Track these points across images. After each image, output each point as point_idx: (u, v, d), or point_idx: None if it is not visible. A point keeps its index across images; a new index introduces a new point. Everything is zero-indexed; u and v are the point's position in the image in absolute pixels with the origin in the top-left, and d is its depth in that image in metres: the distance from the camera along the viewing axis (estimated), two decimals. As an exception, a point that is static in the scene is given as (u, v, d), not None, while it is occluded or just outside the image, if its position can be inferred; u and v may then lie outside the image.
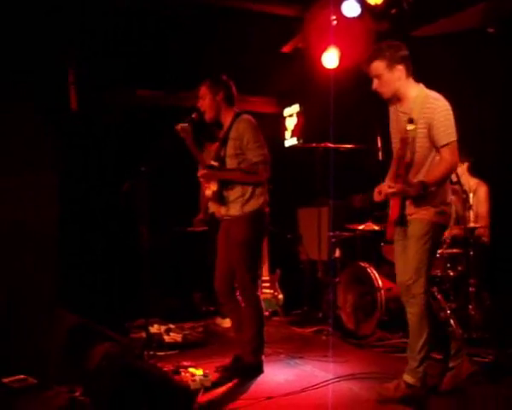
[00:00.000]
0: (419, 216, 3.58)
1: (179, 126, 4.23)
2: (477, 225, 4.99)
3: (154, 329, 5.33)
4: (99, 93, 6.50)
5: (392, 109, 3.80)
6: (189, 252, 7.00)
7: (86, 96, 6.15)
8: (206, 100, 4.33)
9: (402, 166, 3.52)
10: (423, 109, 3.50)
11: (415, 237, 3.59)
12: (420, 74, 5.74)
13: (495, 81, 5.36)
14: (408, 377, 3.57)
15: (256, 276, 4.34)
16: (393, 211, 3.64)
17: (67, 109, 5.92)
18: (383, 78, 3.61)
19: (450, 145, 3.46)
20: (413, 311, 3.57)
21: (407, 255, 3.63)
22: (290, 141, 7.95)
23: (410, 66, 3.64)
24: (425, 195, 3.49)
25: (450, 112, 3.51)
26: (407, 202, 3.61)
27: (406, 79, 3.62)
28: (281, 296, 6.54)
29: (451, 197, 3.71)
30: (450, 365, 3.74)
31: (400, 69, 3.59)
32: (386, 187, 3.57)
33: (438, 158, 3.53)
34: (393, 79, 3.60)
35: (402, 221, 3.62)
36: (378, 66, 3.60)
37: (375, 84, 3.67)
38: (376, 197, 3.75)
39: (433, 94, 3.56)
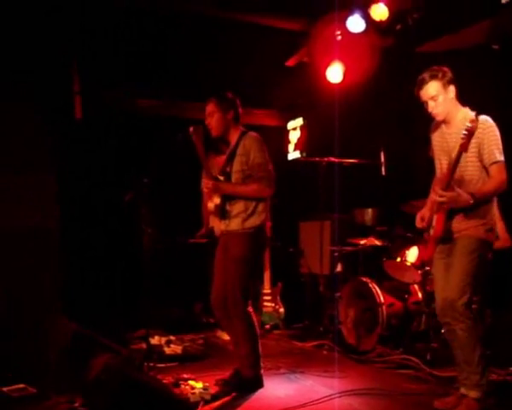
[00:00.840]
0: (468, 233, 3.62)
1: (192, 128, 4.24)
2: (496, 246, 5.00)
3: (155, 340, 5.30)
4: (101, 101, 6.52)
5: (437, 133, 3.88)
6: (190, 263, 6.99)
7: (89, 103, 6.17)
8: (214, 117, 4.34)
9: (451, 179, 3.59)
10: (473, 129, 3.53)
11: (463, 254, 3.62)
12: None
13: (499, 98, 5.37)
14: (474, 393, 3.57)
15: (248, 293, 4.28)
16: (438, 227, 3.70)
17: (72, 117, 5.95)
18: (439, 98, 3.67)
19: (498, 164, 3.56)
20: (462, 326, 3.56)
21: (451, 273, 3.65)
22: (293, 154, 7.95)
23: (456, 88, 3.72)
24: (472, 209, 3.58)
25: (498, 133, 3.62)
26: (455, 220, 3.66)
27: (455, 99, 3.73)
28: (282, 310, 6.52)
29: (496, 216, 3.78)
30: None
31: (453, 90, 3.69)
32: (436, 196, 3.61)
33: (486, 177, 3.64)
34: (448, 99, 3.68)
35: (446, 237, 3.68)
36: (435, 87, 3.66)
37: (431, 106, 3.71)
38: (419, 224, 3.86)
39: (481, 116, 3.63)
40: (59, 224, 5.33)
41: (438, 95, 3.67)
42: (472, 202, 3.51)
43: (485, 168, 3.61)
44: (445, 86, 3.66)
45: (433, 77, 3.67)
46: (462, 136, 3.51)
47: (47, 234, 5.20)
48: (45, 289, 5.10)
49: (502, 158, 3.57)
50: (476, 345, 3.56)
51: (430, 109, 3.73)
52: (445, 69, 3.73)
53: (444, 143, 3.80)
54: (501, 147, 3.60)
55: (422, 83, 3.71)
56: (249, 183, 4.25)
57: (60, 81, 5.64)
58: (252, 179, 4.24)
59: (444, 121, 3.78)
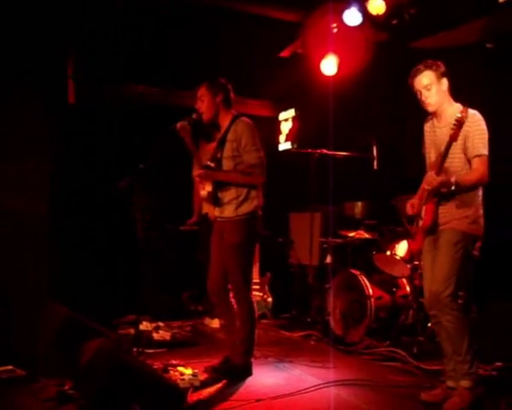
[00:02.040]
0: (452, 225, 3.68)
1: (179, 125, 4.24)
2: None
3: (143, 326, 5.31)
4: (97, 87, 6.48)
5: (428, 125, 3.95)
6: (179, 251, 7.00)
7: (84, 89, 6.13)
8: (204, 101, 4.34)
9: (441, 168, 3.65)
10: (461, 123, 3.59)
11: (446, 246, 3.68)
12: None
13: (492, 96, 5.41)
14: (465, 383, 3.62)
15: (249, 278, 4.34)
16: (427, 218, 3.76)
17: (65, 102, 5.90)
18: (433, 88, 3.73)
19: (481, 157, 3.62)
20: (448, 318, 3.62)
21: (436, 265, 3.71)
22: (284, 145, 7.98)
23: (449, 83, 3.78)
24: (456, 202, 3.66)
25: (485, 128, 3.67)
26: (440, 212, 3.73)
27: (447, 92, 3.79)
28: (270, 299, 6.56)
29: (481, 211, 3.77)
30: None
31: (445, 83, 3.76)
32: (431, 178, 3.65)
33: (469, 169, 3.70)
34: (441, 90, 3.75)
35: (434, 229, 3.74)
36: (430, 75, 3.73)
37: (425, 95, 3.76)
38: (410, 211, 3.91)
39: (470, 110, 3.68)
40: (50, 210, 5.29)
41: (431, 84, 3.73)
42: (454, 186, 3.56)
43: (469, 161, 3.67)
44: (438, 78, 3.73)
45: (428, 67, 3.75)
46: (452, 126, 3.57)
47: (38, 220, 5.17)
48: (35, 274, 5.07)
49: (485, 152, 3.62)
50: (464, 335, 3.61)
51: (423, 99, 3.78)
52: (439, 63, 3.80)
53: (434, 136, 3.87)
54: (486, 141, 3.65)
55: (417, 72, 3.78)
56: (241, 170, 4.25)
57: (53, 65, 5.59)
58: (243, 166, 4.25)
59: (435, 115, 3.84)
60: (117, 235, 6.50)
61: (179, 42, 6.48)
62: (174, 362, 4.36)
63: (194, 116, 4.33)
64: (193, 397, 3.75)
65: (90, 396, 3.22)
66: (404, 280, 5.50)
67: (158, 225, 6.25)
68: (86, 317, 3.87)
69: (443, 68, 3.78)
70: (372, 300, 5.21)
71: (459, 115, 3.55)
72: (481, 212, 3.75)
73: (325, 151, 6.13)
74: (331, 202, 6.18)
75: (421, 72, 3.76)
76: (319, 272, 6.48)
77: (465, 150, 3.66)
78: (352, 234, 5.87)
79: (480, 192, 3.76)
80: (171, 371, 4.13)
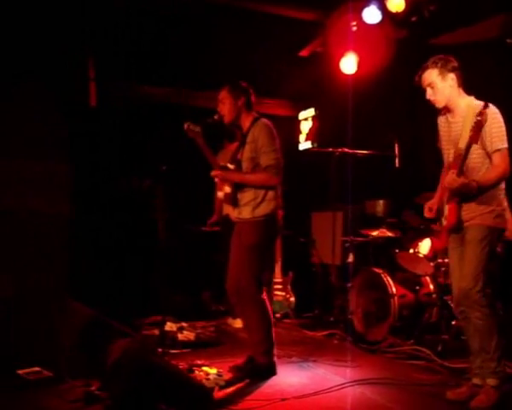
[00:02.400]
0: (477, 221, 3.65)
1: (186, 126, 4.26)
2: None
3: (167, 327, 5.34)
4: (118, 90, 6.54)
5: (442, 119, 3.91)
6: (199, 251, 7.05)
7: (103, 91, 6.19)
8: (226, 104, 4.37)
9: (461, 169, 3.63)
10: (477, 117, 3.57)
11: (473, 243, 3.65)
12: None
13: (510, 92, 5.37)
14: (491, 381, 3.61)
15: (261, 279, 4.34)
16: (451, 217, 3.72)
17: (86, 105, 5.97)
18: (436, 86, 3.73)
19: (501, 151, 3.59)
20: (477, 315, 3.61)
21: (464, 262, 3.69)
22: (304, 144, 7.98)
23: (461, 77, 3.76)
24: (479, 197, 3.62)
25: (502, 120, 3.63)
26: (464, 209, 3.70)
27: (458, 88, 3.75)
28: (292, 299, 6.56)
29: (506, 203, 3.76)
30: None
31: (452, 78, 3.72)
32: (452, 179, 3.62)
33: (489, 164, 3.66)
34: (446, 86, 3.72)
35: (459, 227, 3.71)
36: (431, 74, 3.73)
37: (429, 93, 3.78)
38: (428, 214, 3.90)
39: (488, 104, 3.63)
40: (71, 210, 5.35)
41: (434, 81, 3.71)
42: (476, 188, 3.55)
43: (489, 156, 3.64)
44: (443, 74, 3.70)
45: (433, 64, 3.73)
46: (471, 127, 3.55)
47: (59, 220, 5.22)
48: (57, 275, 5.13)
49: (505, 145, 3.60)
50: (493, 332, 3.60)
51: (428, 96, 3.79)
52: (449, 58, 3.76)
53: (449, 131, 3.83)
54: (505, 134, 3.62)
55: (422, 70, 3.79)
56: (257, 171, 4.27)
57: (75, 67, 5.66)
58: (259, 167, 4.26)
59: (448, 110, 3.81)
60: (138, 235, 6.56)
61: (198, 43, 6.51)
62: (199, 362, 4.38)
63: (215, 117, 4.38)
64: (218, 396, 3.76)
65: (117, 397, 3.26)
66: (428, 278, 5.46)
67: (179, 226, 6.29)
68: (108, 317, 3.91)
69: (453, 63, 3.74)
70: (395, 298, 5.19)
71: (479, 118, 3.52)
72: (505, 204, 3.72)
73: (346, 150, 6.13)
74: (352, 200, 6.17)
75: (425, 70, 3.76)
76: (341, 271, 6.48)
77: (483, 145, 3.63)
78: (374, 232, 5.86)
79: (503, 185, 3.72)
80: (196, 371, 4.15)
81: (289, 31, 6.53)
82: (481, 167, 3.67)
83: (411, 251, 5.44)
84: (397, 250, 5.56)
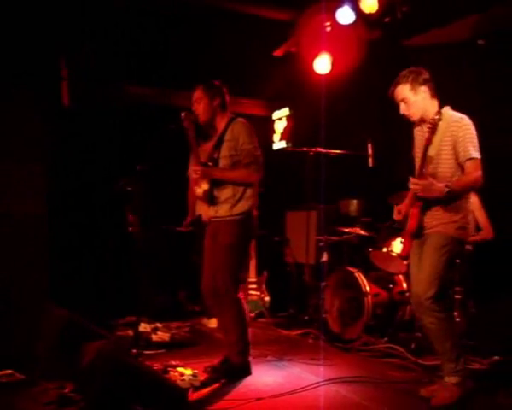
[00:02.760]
0: (439, 229, 3.68)
1: (183, 114, 4.26)
2: (479, 238, 5.11)
3: (141, 327, 5.31)
4: (91, 89, 6.48)
5: (418, 129, 3.94)
6: (175, 251, 7.01)
7: (79, 91, 6.13)
8: (201, 104, 4.36)
9: (422, 170, 3.70)
10: (449, 127, 3.66)
11: (432, 250, 3.68)
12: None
13: (483, 93, 5.45)
14: (453, 379, 3.65)
15: (238, 279, 4.33)
16: (411, 222, 3.76)
17: (60, 104, 5.90)
18: (409, 100, 3.77)
19: (474, 160, 3.60)
20: (430, 320, 3.64)
21: (420, 268, 3.72)
22: (278, 144, 8.00)
23: (434, 88, 3.80)
24: (445, 206, 3.64)
25: (474, 131, 3.67)
26: (428, 215, 3.73)
27: (431, 100, 3.78)
28: (267, 298, 6.58)
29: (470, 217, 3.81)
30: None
31: (424, 90, 3.75)
32: (412, 184, 3.67)
33: (461, 174, 3.67)
34: (418, 100, 3.75)
35: (420, 233, 3.74)
36: (403, 89, 3.77)
37: (402, 108, 3.82)
38: (396, 216, 3.93)
39: (458, 114, 3.72)
40: (46, 211, 5.30)
41: (407, 97, 3.76)
42: (446, 191, 3.56)
43: (461, 165, 3.65)
44: (414, 88, 3.74)
45: (403, 79, 3.77)
46: (426, 129, 3.64)
47: (36, 221, 5.17)
48: (34, 276, 5.08)
49: (477, 155, 3.61)
50: (447, 335, 3.64)
51: (402, 111, 3.83)
52: (420, 70, 3.80)
53: (420, 140, 3.86)
54: (477, 144, 3.64)
55: (394, 85, 3.83)
56: (238, 168, 4.27)
57: (48, 67, 5.59)
58: (240, 165, 4.26)
59: (423, 121, 3.82)
60: (114, 235, 6.50)
61: (174, 42, 6.48)
62: (174, 363, 4.36)
63: (182, 116, 4.32)
64: (193, 397, 3.76)
65: (91, 398, 3.23)
66: (401, 277, 5.51)
67: (154, 226, 6.25)
68: (84, 318, 3.87)
69: (423, 76, 3.78)
70: (369, 297, 5.23)
71: (435, 117, 3.61)
72: (470, 217, 3.78)
73: (320, 149, 6.15)
74: (325, 200, 6.21)
75: (397, 85, 3.80)
76: (316, 270, 6.50)
77: (456, 156, 3.65)
78: (348, 231, 5.90)
79: (472, 198, 3.81)
80: (171, 372, 4.13)
81: (263, 31, 6.54)
82: (451, 177, 3.68)
83: (385, 250, 5.48)
84: (370, 249, 5.60)
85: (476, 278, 5.10)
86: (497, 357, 4.38)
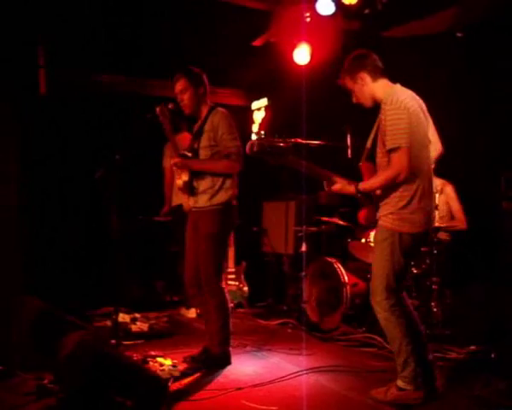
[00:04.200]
0: (380, 222, 3.59)
1: (158, 109, 4.22)
2: (451, 224, 5.16)
3: (120, 318, 5.27)
4: (68, 78, 6.40)
5: None
6: (152, 241, 6.98)
7: (56, 80, 6.04)
8: (186, 94, 4.31)
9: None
10: (382, 112, 3.51)
11: (376, 243, 3.63)
12: (387, 74, 5.84)
13: (461, 83, 5.51)
14: (399, 382, 3.53)
15: (221, 268, 4.34)
16: (360, 217, 3.79)
17: (36, 93, 5.81)
18: (353, 89, 3.69)
19: (396, 151, 3.36)
20: (379, 316, 3.56)
21: (373, 262, 3.66)
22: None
23: (374, 69, 3.62)
24: (384, 198, 3.53)
25: (402, 116, 3.38)
26: (373, 209, 3.66)
27: (373, 83, 3.62)
28: (246, 288, 6.58)
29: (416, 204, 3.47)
30: None
31: (362, 76, 3.62)
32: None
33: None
34: (360, 88, 3.66)
35: (370, 226, 3.76)
36: (345, 81, 3.72)
37: (354, 98, 3.75)
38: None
39: (391, 96, 3.47)
40: (21, 202, 5.21)
41: (351, 87, 3.69)
42: (354, 192, 3.58)
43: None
44: (353, 78, 3.64)
45: (343, 72, 3.71)
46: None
47: (8, 213, 5.08)
48: (7, 268, 5.00)
49: (399, 144, 3.33)
50: (394, 337, 3.51)
51: (353, 101, 3.76)
52: (355, 56, 3.69)
53: None
54: (402, 131, 3.35)
55: (339, 79, 3.77)
56: (217, 159, 4.25)
57: (23, 55, 5.49)
58: (220, 155, 4.25)
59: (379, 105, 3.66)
60: (90, 226, 6.46)
61: (150, 31, 6.41)
62: (153, 353, 4.38)
63: (169, 106, 4.32)
64: (172, 387, 3.75)
65: (71, 389, 3.20)
66: (379, 267, 5.56)
67: (131, 216, 6.22)
68: (60, 310, 3.84)
69: (360, 61, 3.64)
70: (348, 287, 5.27)
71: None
72: (412, 208, 3.45)
73: (298, 140, 6.15)
74: (305, 190, 6.22)
75: (340, 79, 3.74)
76: (294, 260, 6.53)
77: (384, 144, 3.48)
78: (326, 222, 5.93)
79: (412, 186, 3.44)
80: (151, 363, 4.14)
81: (243, 20, 6.49)
82: (382, 164, 3.56)
83: (363, 241, 5.53)
84: (349, 240, 5.64)
85: (453, 268, 5.18)
86: (473, 346, 4.44)
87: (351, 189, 3.61)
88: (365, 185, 3.60)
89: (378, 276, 3.52)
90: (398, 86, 3.61)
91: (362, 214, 3.76)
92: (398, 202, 3.47)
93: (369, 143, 3.75)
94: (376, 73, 3.63)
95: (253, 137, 3.52)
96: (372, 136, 3.70)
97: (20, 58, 5.35)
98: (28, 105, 5.53)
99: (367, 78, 3.62)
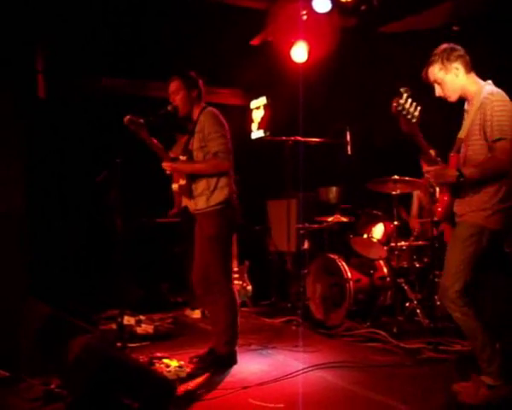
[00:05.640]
0: (466, 218, 3.42)
1: (126, 119, 4.14)
2: None
3: (125, 320, 5.29)
4: (67, 81, 6.42)
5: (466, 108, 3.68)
6: (156, 243, 7.00)
7: (55, 84, 6.07)
8: (179, 95, 4.32)
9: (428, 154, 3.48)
10: (480, 105, 3.38)
11: (458, 239, 3.43)
12: (385, 69, 5.88)
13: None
14: (486, 378, 3.37)
15: (229, 268, 4.36)
16: (440, 209, 3.58)
17: (35, 97, 5.83)
18: (441, 81, 3.51)
19: (500, 142, 3.27)
20: (456, 315, 3.40)
21: (447, 258, 3.48)
22: (257, 133, 7.98)
23: (468, 62, 3.50)
24: (474, 192, 3.38)
25: (509, 109, 3.32)
26: (457, 203, 3.49)
27: (466, 75, 3.50)
28: (249, 287, 6.61)
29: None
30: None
31: (456, 67, 3.47)
32: (424, 171, 3.51)
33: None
34: (451, 79, 3.49)
35: (450, 220, 3.53)
36: (433, 70, 3.52)
37: (437, 90, 3.57)
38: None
39: (491, 89, 3.42)
40: (25, 207, 5.24)
41: (440, 77, 3.50)
42: (456, 176, 3.33)
43: (490, 147, 3.32)
44: (445, 67, 3.46)
45: (432, 61, 3.52)
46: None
47: (14, 217, 5.11)
48: (13, 272, 5.02)
49: (505, 135, 3.26)
50: (476, 334, 3.37)
51: (436, 94, 3.58)
52: (452, 47, 3.51)
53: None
54: (508, 123, 3.28)
55: (426, 66, 3.56)
56: (206, 159, 4.25)
57: (22, 60, 5.51)
58: (208, 155, 4.25)
59: (466, 100, 3.56)
60: (94, 229, 6.48)
61: (150, 32, 6.44)
62: (159, 355, 4.38)
63: (168, 108, 4.33)
64: (180, 389, 3.76)
65: (79, 393, 3.22)
66: (382, 262, 5.60)
67: (136, 218, 6.24)
68: (65, 313, 3.86)
69: (456, 52, 3.47)
70: (351, 283, 5.29)
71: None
72: (503, 205, 3.35)
73: (298, 138, 6.18)
74: (304, 188, 6.25)
75: (429, 66, 3.53)
76: (297, 258, 6.55)
77: (485, 135, 3.34)
78: (328, 219, 5.95)
79: (506, 182, 3.35)
80: (157, 364, 4.15)
81: (240, 20, 6.52)
82: (479, 157, 3.39)
83: (365, 236, 5.55)
84: (351, 236, 5.66)
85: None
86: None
87: (452, 172, 3.36)
88: (470, 171, 3.34)
89: (455, 273, 3.37)
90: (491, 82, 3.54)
91: (441, 207, 3.57)
92: (490, 198, 3.36)
93: (463, 134, 3.52)
94: (467, 68, 3.50)
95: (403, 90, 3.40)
96: (467, 127, 3.47)
97: (19, 62, 5.38)
98: (29, 109, 5.56)
99: (460, 69, 3.47)
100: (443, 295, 3.46)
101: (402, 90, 3.36)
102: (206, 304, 4.54)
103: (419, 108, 3.34)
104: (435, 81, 3.54)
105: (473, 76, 3.52)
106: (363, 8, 5.73)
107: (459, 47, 3.54)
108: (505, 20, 5.13)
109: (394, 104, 3.35)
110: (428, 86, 3.63)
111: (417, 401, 3.51)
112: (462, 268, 3.36)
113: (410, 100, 3.34)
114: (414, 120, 3.35)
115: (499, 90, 3.41)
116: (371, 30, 6.07)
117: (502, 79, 3.53)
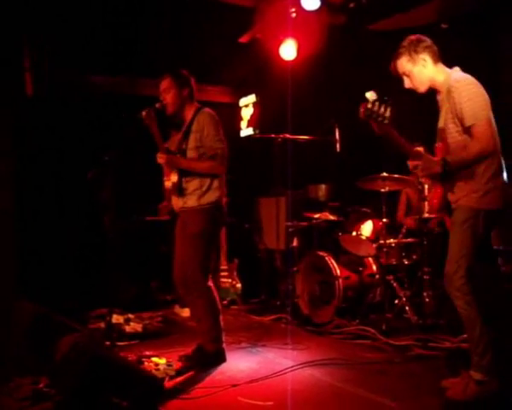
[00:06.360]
0: (461, 202, 3.43)
1: (144, 113, 4.21)
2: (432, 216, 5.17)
3: (114, 319, 5.27)
4: (55, 79, 6.37)
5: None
6: (145, 241, 6.98)
7: (43, 81, 6.03)
8: (169, 94, 4.32)
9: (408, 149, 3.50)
10: (450, 93, 3.38)
11: (455, 225, 3.43)
12: (374, 67, 5.88)
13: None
14: (475, 374, 3.35)
15: (207, 268, 4.33)
16: (434, 201, 3.64)
17: (23, 95, 5.79)
18: (410, 73, 3.52)
19: (475, 127, 3.29)
20: (459, 304, 3.38)
21: (449, 246, 3.46)
22: (246, 131, 7.99)
23: (436, 53, 3.52)
24: (462, 177, 3.38)
25: (478, 92, 3.34)
26: (450, 191, 3.50)
27: (434, 66, 3.51)
28: (239, 285, 6.60)
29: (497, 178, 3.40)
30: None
31: (423, 58, 3.48)
32: (410, 167, 3.52)
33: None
34: (418, 70, 3.50)
35: (445, 209, 3.55)
36: (401, 62, 3.53)
37: (406, 82, 3.58)
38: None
39: (458, 75, 3.42)
40: (14, 205, 5.21)
41: (408, 69, 3.51)
42: (441, 166, 3.35)
43: (468, 133, 3.35)
44: (413, 59, 3.48)
45: (399, 53, 3.53)
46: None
47: (3, 216, 5.08)
48: (2, 272, 5.00)
49: (479, 119, 3.29)
50: (475, 325, 3.36)
51: (406, 85, 3.58)
52: (418, 38, 3.52)
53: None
54: (480, 106, 3.31)
55: (394, 58, 3.57)
56: (203, 160, 4.27)
57: (9, 57, 5.48)
58: (205, 156, 4.26)
59: (435, 91, 3.58)
60: (84, 227, 6.45)
61: (138, 30, 6.41)
62: (148, 353, 4.37)
63: (157, 105, 4.32)
64: (169, 386, 3.76)
65: (68, 392, 3.21)
66: (371, 259, 5.61)
67: (125, 216, 6.21)
68: (55, 312, 3.84)
69: (421, 44, 3.49)
70: (340, 280, 5.29)
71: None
72: (494, 184, 3.37)
73: (287, 136, 6.17)
74: (294, 185, 6.25)
75: (396, 58, 3.54)
76: (286, 255, 6.55)
77: (460, 122, 3.36)
78: (317, 216, 5.95)
79: (492, 161, 3.36)
80: (146, 363, 4.14)
81: (229, 17, 6.51)
82: (458, 145, 3.42)
83: (354, 234, 5.57)
84: (340, 233, 5.67)
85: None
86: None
87: (437, 161, 3.39)
88: (456, 159, 3.36)
89: (458, 259, 3.37)
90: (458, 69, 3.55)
91: (436, 199, 3.61)
92: (479, 179, 3.37)
93: (441, 123, 3.53)
94: (435, 58, 3.52)
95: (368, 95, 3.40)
96: (443, 116, 3.48)
97: (5, 60, 5.34)
98: (19, 107, 5.53)
99: (429, 60, 3.49)
100: (448, 282, 3.43)
101: (368, 95, 3.39)
102: (189, 303, 4.54)
103: (389, 108, 3.35)
104: (404, 73, 3.56)
105: (440, 66, 3.54)
106: (351, 5, 5.76)
107: (426, 38, 3.56)
108: (493, 18, 5.16)
109: (362, 110, 3.39)
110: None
111: (406, 398, 3.52)
112: (464, 253, 3.36)
113: (377, 103, 3.36)
114: (386, 121, 3.37)
115: (466, 75, 3.41)
116: (360, 28, 6.08)
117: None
